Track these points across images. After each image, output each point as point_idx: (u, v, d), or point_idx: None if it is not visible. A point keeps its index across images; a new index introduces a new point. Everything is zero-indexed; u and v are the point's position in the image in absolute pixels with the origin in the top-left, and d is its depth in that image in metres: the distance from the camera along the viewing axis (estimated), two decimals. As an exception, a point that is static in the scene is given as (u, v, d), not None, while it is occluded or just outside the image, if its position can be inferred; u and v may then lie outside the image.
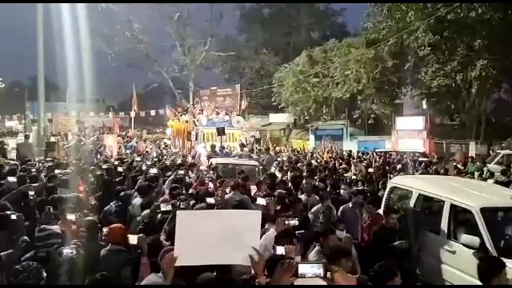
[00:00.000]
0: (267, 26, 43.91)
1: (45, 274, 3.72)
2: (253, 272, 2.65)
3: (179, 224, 2.45)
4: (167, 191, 7.28)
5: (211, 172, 9.70)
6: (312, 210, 7.03)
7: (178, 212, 2.61)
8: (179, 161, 13.28)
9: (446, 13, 21.38)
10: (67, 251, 4.26)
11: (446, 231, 5.87)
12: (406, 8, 23.62)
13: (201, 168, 10.71)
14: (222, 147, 15.95)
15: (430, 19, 21.90)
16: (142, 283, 3.74)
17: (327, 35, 40.35)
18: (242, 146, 17.58)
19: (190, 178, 9.42)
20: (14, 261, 4.22)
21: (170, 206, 5.47)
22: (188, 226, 2.43)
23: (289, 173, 11.79)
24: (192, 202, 6.59)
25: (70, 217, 4.80)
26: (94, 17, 27.50)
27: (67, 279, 4.15)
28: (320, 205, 7.12)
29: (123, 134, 27.82)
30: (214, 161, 11.71)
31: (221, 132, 16.52)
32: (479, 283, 5.08)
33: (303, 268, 2.17)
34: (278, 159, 16.97)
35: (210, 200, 6.68)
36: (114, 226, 4.78)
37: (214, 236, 2.41)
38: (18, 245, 4.87)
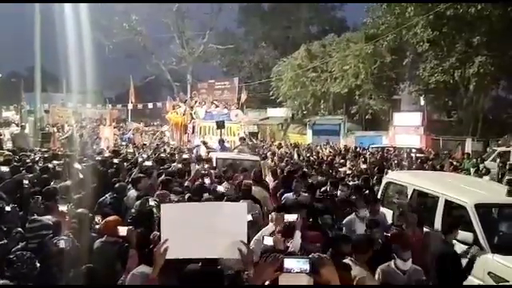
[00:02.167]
0: (266, 19, 43.67)
1: (38, 264, 3.73)
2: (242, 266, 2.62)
3: (164, 218, 2.44)
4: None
5: (206, 165, 9.65)
6: (344, 222, 6.15)
7: (162, 206, 2.60)
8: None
9: (446, 9, 21.32)
10: (62, 241, 4.27)
11: (440, 227, 5.89)
12: (406, 3, 23.56)
13: (183, 156, 10.70)
14: (222, 141, 15.75)
15: (429, 15, 21.85)
16: (130, 273, 3.74)
17: (326, 30, 40.18)
18: (243, 139, 17.34)
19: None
20: (8, 251, 4.22)
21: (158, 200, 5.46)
22: (173, 220, 2.42)
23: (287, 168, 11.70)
24: (187, 196, 6.59)
25: (62, 208, 4.79)
26: (92, 8, 27.26)
27: (60, 269, 4.15)
28: (353, 215, 6.18)
29: (120, 125, 27.77)
30: (213, 155, 11.48)
31: (220, 125, 16.19)
32: (476, 281, 5.12)
33: (289, 263, 2.09)
34: (278, 152, 16.98)
35: (220, 188, 6.74)
36: (110, 218, 4.79)
37: (199, 229, 2.39)
38: (12, 236, 4.88)
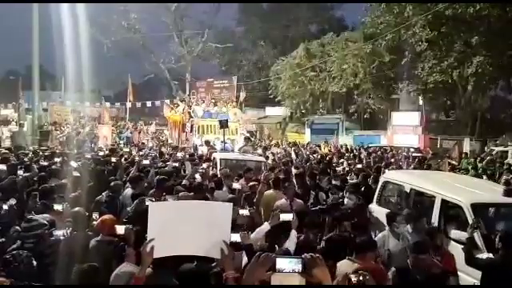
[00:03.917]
0: (265, 18, 43.58)
1: (35, 263, 3.73)
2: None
3: (151, 215, 2.45)
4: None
5: (204, 165, 9.65)
6: (376, 238, 5.41)
7: (149, 204, 2.61)
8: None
9: (444, 9, 21.35)
10: (59, 232, 4.27)
11: (436, 226, 5.90)
12: (405, 3, 23.57)
13: (177, 154, 10.65)
14: (224, 142, 15.26)
15: (428, 14, 21.88)
16: (113, 274, 3.71)
17: (325, 29, 40.09)
18: (247, 139, 17.03)
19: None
20: (4, 251, 4.22)
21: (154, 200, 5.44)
22: (159, 217, 2.43)
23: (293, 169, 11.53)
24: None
25: (57, 207, 4.79)
26: (91, 6, 27.22)
27: (57, 267, 4.15)
28: (386, 231, 5.55)
29: (117, 124, 27.74)
30: (217, 155, 11.29)
31: (224, 125, 15.84)
32: (470, 279, 5.12)
33: (281, 262, 2.08)
34: (274, 151, 16.89)
35: (236, 185, 6.71)
36: (106, 217, 4.78)
37: (184, 227, 2.40)
38: (10, 235, 4.87)
